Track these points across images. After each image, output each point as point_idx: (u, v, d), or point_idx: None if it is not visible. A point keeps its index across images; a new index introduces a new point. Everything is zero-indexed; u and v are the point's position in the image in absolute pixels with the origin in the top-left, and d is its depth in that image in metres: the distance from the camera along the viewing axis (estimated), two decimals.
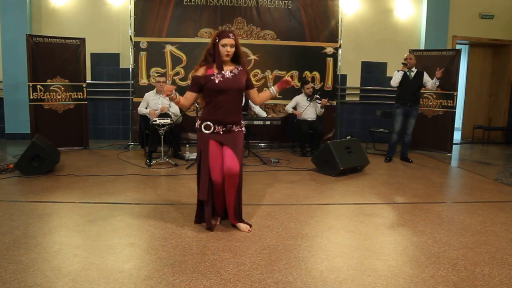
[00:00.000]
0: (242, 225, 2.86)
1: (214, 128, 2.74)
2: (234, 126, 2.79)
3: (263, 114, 5.87)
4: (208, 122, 2.74)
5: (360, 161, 4.92)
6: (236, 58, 2.79)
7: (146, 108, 5.39)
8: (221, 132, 2.75)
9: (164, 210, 3.23)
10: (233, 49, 2.71)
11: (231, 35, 2.69)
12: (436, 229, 2.93)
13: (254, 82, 6.57)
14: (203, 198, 2.78)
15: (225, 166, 2.68)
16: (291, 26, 6.71)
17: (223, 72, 2.72)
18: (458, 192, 4.25)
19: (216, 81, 2.68)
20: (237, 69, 2.78)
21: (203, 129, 2.76)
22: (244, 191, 3.78)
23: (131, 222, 2.95)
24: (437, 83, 5.54)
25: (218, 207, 2.93)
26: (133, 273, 2.14)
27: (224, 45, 2.68)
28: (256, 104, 3.11)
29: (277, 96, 2.70)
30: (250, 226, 2.87)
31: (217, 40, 2.70)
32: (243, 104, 4.15)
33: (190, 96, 2.80)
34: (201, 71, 2.74)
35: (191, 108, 5.76)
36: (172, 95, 2.70)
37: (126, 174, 4.52)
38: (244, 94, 3.04)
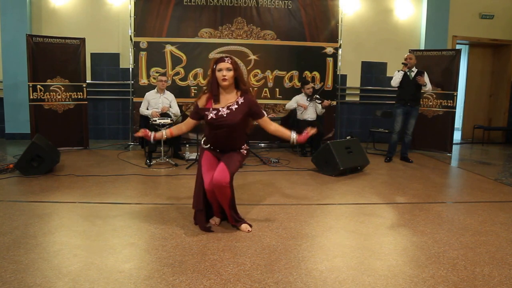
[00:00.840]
0: (242, 226, 2.84)
1: (211, 148, 2.82)
2: (231, 151, 2.79)
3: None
4: (205, 138, 2.84)
5: (360, 161, 4.92)
6: (239, 85, 2.71)
7: (147, 108, 5.38)
8: (218, 151, 2.81)
9: (164, 210, 3.23)
10: (230, 73, 2.63)
11: (227, 59, 2.66)
12: (436, 229, 2.93)
13: (254, 83, 6.64)
14: (196, 207, 2.82)
15: (214, 177, 2.63)
16: (291, 26, 6.71)
17: (218, 107, 2.67)
18: (458, 192, 4.25)
19: (209, 118, 2.66)
20: (238, 102, 2.69)
21: (202, 143, 2.85)
22: (244, 191, 3.82)
23: (131, 222, 2.94)
24: (427, 88, 5.57)
25: (215, 211, 2.92)
26: (133, 273, 2.14)
27: (220, 70, 2.63)
28: (269, 132, 2.90)
29: (294, 143, 2.78)
30: (251, 226, 2.86)
31: (214, 67, 2.67)
32: None
33: (190, 122, 2.85)
34: (202, 101, 2.74)
35: (191, 108, 5.75)
36: (157, 135, 2.83)
37: (126, 174, 4.52)
38: (248, 121, 2.87)
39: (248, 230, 2.80)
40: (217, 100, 2.69)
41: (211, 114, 2.66)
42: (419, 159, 5.85)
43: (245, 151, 2.86)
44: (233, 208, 2.84)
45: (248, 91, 2.76)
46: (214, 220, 2.95)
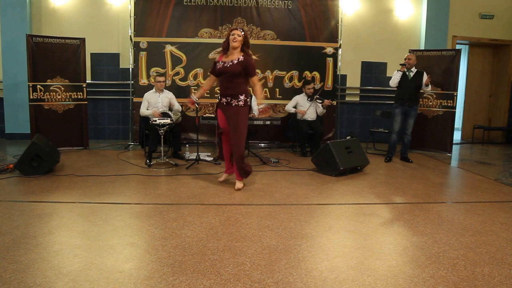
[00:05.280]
0: (237, 183, 3.87)
1: (220, 99, 3.81)
2: (232, 99, 3.71)
3: (255, 107, 5.65)
4: (219, 96, 3.88)
5: (360, 161, 4.92)
6: (244, 49, 3.70)
7: (148, 109, 5.37)
8: (225, 104, 3.77)
9: (164, 210, 3.23)
10: (239, 38, 3.65)
11: (240, 29, 3.73)
12: (436, 229, 2.93)
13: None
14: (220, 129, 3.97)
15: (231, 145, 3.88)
16: (291, 26, 6.71)
17: (225, 61, 3.71)
18: (458, 192, 4.25)
19: (217, 67, 3.78)
20: (239, 58, 3.66)
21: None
22: (244, 191, 3.85)
23: (131, 222, 2.95)
24: (427, 88, 5.61)
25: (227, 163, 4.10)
26: (133, 273, 2.14)
27: (232, 34, 3.67)
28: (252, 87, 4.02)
29: (255, 115, 4.63)
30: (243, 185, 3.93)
31: (230, 32, 3.70)
32: None
33: (211, 76, 3.97)
34: (216, 57, 3.91)
35: (191, 108, 5.77)
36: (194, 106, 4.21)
37: (126, 174, 4.52)
38: (245, 74, 3.76)
39: (237, 188, 3.82)
40: (226, 56, 3.74)
41: (219, 65, 3.76)
42: (419, 159, 5.85)
43: (243, 102, 3.72)
44: (240, 165, 3.81)
45: (249, 54, 3.74)
46: (221, 177, 4.17)
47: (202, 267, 2.22)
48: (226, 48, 3.74)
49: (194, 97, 4.08)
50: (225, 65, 3.70)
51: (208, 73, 4.00)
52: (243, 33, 3.69)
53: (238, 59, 3.67)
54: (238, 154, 3.77)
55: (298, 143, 6.16)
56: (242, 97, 3.73)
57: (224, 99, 3.77)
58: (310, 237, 2.72)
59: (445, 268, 2.28)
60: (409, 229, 2.94)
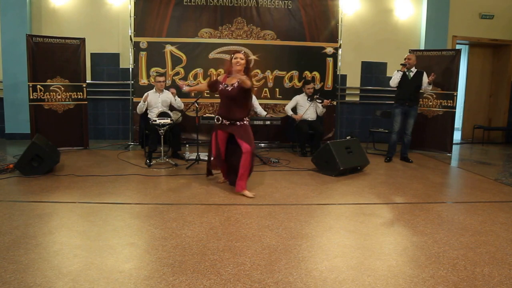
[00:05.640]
0: (247, 192, 3.68)
1: (222, 121, 3.81)
2: (236, 121, 3.75)
3: (263, 113, 5.86)
4: (218, 116, 3.85)
5: (360, 161, 4.92)
6: (247, 72, 3.71)
7: (147, 109, 5.37)
8: (227, 124, 3.79)
9: (164, 210, 3.24)
10: (242, 61, 3.66)
11: (242, 52, 3.78)
12: (436, 229, 2.93)
13: (254, 83, 6.65)
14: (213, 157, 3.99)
15: (244, 148, 3.65)
16: (291, 26, 6.71)
17: (227, 84, 3.76)
18: (458, 192, 4.25)
19: (219, 89, 3.83)
20: (238, 82, 3.67)
21: (215, 120, 3.88)
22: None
23: (131, 222, 2.95)
24: (429, 87, 5.60)
25: (222, 171, 4.12)
26: (133, 273, 2.14)
27: (235, 58, 3.68)
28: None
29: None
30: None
31: (232, 55, 3.72)
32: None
33: (205, 84, 4.35)
34: (221, 77, 3.95)
35: (191, 108, 5.77)
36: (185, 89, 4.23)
37: (126, 174, 4.52)
38: (245, 98, 3.80)
39: (249, 196, 3.62)
40: (229, 78, 3.77)
41: (221, 86, 3.81)
42: (419, 159, 5.85)
43: (247, 122, 3.83)
44: (247, 173, 3.73)
45: (250, 76, 3.75)
46: (222, 179, 4.14)
47: (202, 267, 2.22)
48: (228, 69, 3.80)
49: (186, 88, 4.25)
50: (227, 88, 3.74)
51: (206, 82, 4.03)
52: (244, 54, 3.72)
53: (238, 82, 3.67)
54: (252, 148, 3.69)
55: (298, 143, 6.16)
56: (245, 119, 3.82)
57: (226, 122, 3.80)
58: (310, 237, 2.72)
59: (445, 268, 2.28)
60: (409, 229, 2.94)
